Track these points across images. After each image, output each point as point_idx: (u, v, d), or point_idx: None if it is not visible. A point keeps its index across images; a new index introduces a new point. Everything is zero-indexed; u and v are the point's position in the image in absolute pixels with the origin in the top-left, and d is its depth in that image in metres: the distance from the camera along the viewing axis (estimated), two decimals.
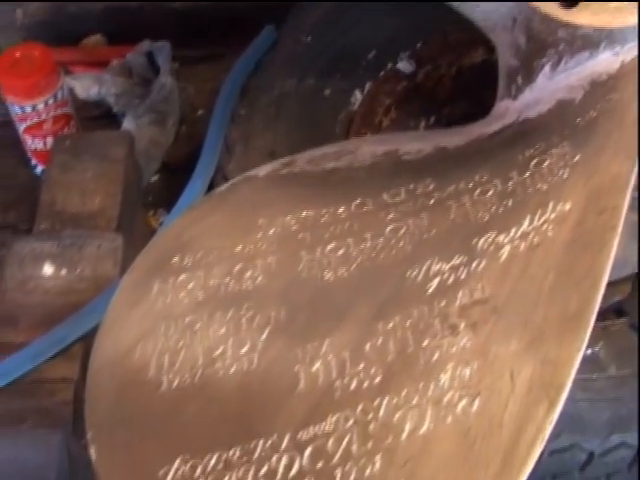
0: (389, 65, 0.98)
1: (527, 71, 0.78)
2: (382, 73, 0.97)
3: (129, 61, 1.20)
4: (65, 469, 0.73)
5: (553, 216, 0.62)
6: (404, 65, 0.97)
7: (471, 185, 0.71)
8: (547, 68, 0.76)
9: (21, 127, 1.07)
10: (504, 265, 0.61)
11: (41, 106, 1.05)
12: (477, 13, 0.81)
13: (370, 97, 0.96)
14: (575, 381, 0.72)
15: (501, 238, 0.63)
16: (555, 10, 0.74)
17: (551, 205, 0.63)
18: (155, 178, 1.11)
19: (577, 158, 0.66)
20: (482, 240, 0.64)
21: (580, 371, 0.73)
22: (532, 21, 0.75)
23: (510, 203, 0.66)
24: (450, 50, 0.99)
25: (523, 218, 0.63)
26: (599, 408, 0.73)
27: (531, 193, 0.66)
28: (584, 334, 0.55)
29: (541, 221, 0.62)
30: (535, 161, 0.69)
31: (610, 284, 0.76)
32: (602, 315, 0.79)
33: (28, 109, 1.05)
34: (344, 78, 0.96)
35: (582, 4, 0.73)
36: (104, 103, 1.18)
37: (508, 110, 0.80)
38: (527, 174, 0.68)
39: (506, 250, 0.62)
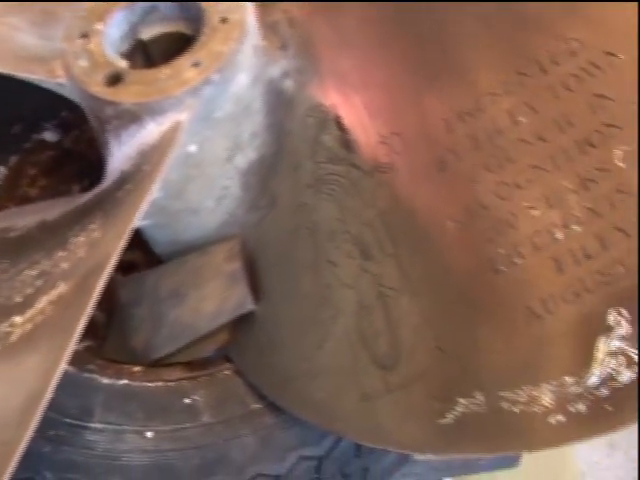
0: (33, 136, 1.00)
1: (104, 144, 0.81)
2: (27, 145, 0.99)
3: None
4: None
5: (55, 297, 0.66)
6: (49, 134, 1.00)
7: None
8: (113, 142, 0.79)
9: None
10: None
11: None
12: None
13: (15, 170, 0.97)
14: (164, 432, 0.77)
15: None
16: (101, 89, 0.77)
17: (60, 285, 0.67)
18: None
19: (95, 234, 0.70)
20: None
21: (172, 421, 0.78)
22: (87, 99, 0.79)
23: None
24: None
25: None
26: (188, 456, 0.76)
27: (55, 272, 0.70)
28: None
29: (43, 302, 0.67)
30: (75, 238, 0.72)
31: (206, 336, 0.82)
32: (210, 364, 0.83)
33: None
34: None
35: (122, 82, 0.77)
36: None
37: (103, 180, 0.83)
38: (61, 254, 0.72)
39: None
